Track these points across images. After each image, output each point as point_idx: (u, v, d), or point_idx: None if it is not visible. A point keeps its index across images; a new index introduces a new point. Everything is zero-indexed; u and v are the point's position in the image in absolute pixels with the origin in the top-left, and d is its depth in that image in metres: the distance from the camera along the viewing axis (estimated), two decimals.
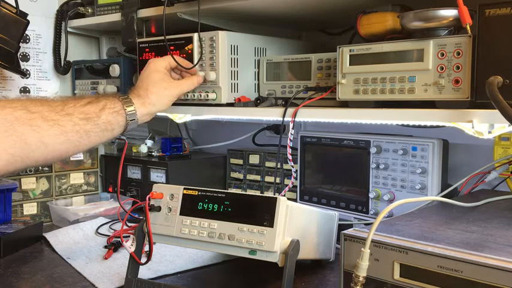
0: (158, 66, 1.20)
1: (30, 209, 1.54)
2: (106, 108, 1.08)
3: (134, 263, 0.99)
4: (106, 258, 1.19)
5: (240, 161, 1.63)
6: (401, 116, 0.98)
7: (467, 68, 0.89)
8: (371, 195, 1.25)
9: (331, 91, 1.13)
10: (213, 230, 0.92)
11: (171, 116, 1.42)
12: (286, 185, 1.39)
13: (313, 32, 1.59)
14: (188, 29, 1.29)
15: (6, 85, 1.59)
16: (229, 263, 1.17)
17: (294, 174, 1.24)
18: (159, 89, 1.18)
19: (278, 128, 1.61)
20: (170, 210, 0.97)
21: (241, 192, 1.36)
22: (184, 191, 0.98)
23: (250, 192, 1.59)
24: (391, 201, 1.22)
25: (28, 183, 1.54)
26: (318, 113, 1.11)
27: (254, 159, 1.60)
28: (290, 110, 1.11)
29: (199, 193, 0.96)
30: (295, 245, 0.87)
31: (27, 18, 1.42)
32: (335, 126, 1.41)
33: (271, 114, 1.17)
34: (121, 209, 1.40)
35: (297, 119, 1.11)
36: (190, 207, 0.96)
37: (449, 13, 0.92)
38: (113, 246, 1.24)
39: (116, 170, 1.61)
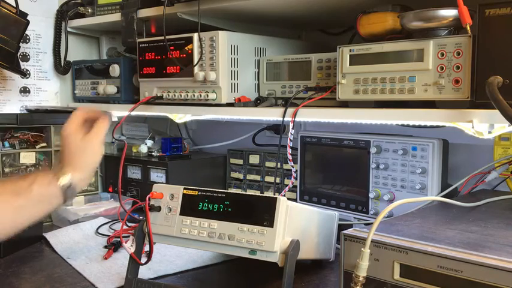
0: (68, 132, 1.07)
1: None
2: (36, 181, 1.01)
3: (134, 263, 0.99)
4: (106, 258, 1.19)
5: (240, 161, 1.63)
6: (401, 116, 0.98)
7: (467, 68, 0.89)
8: (371, 195, 1.25)
9: (331, 91, 1.13)
10: (213, 230, 0.92)
11: (171, 116, 1.42)
12: (286, 185, 1.39)
13: (313, 32, 1.59)
14: (188, 29, 1.29)
15: (6, 85, 1.59)
16: (229, 263, 1.16)
17: (294, 174, 1.23)
18: (81, 156, 1.06)
19: (278, 128, 1.61)
20: (170, 210, 0.97)
21: (241, 192, 1.36)
22: (184, 191, 0.98)
23: (250, 192, 1.59)
24: (391, 201, 1.22)
25: None
26: (318, 113, 1.11)
27: (254, 159, 1.60)
28: (290, 110, 1.11)
29: (199, 193, 0.96)
30: (295, 245, 0.87)
31: (27, 18, 1.42)
32: (335, 126, 1.41)
33: (271, 114, 1.17)
34: (121, 209, 1.40)
35: (297, 119, 1.11)
36: (190, 207, 0.96)
37: (449, 13, 0.92)
38: (113, 246, 1.24)
39: (116, 170, 1.61)
